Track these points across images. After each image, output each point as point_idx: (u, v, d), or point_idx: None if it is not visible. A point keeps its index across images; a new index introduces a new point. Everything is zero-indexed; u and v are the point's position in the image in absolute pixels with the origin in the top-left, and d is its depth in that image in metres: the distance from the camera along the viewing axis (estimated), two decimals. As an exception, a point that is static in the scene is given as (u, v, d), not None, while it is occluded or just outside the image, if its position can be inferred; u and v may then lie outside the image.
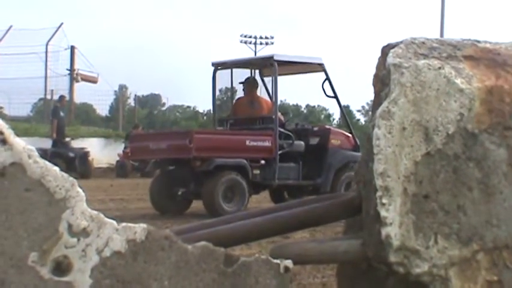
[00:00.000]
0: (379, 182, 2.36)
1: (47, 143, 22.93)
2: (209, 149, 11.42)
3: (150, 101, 66.94)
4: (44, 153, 14.71)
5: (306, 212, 2.64)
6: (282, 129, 12.07)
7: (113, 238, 2.08)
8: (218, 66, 12.98)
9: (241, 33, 64.05)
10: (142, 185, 16.20)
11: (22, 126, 29.01)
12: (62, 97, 25.59)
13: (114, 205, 12.73)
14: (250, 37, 61.98)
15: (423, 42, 2.58)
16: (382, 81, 2.53)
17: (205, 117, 44.32)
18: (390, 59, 2.48)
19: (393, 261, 2.37)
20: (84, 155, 23.92)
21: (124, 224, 2.12)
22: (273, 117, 12.03)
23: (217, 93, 14.06)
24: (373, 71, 2.67)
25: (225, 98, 16.66)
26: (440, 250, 2.39)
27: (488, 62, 2.57)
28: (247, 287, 2.29)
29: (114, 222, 2.10)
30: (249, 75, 13.11)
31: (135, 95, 45.61)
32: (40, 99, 41.16)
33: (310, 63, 12.67)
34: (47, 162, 2.03)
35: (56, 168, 2.03)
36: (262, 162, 11.92)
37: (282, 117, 12.51)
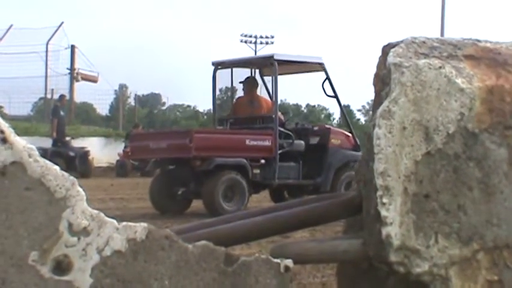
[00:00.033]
0: (379, 182, 2.36)
1: (47, 142, 22.92)
2: (209, 148, 11.42)
3: (150, 101, 66.94)
4: (44, 153, 14.72)
5: (306, 212, 2.64)
6: (282, 129, 12.06)
7: (113, 237, 2.08)
8: (218, 65, 12.98)
9: (242, 32, 64.20)
10: (142, 184, 16.20)
11: (22, 125, 29.01)
12: (62, 96, 25.59)
13: (114, 204, 12.74)
14: (250, 36, 62.02)
15: (424, 42, 2.58)
16: (382, 80, 2.53)
17: (205, 117, 44.32)
18: (391, 58, 2.48)
19: (393, 261, 2.37)
20: (84, 154, 23.93)
21: (124, 223, 2.12)
22: (273, 116, 12.03)
23: (218, 92, 14.07)
24: (374, 70, 2.67)
25: (225, 98, 16.67)
26: (440, 249, 2.39)
27: (489, 62, 2.57)
28: (247, 287, 2.28)
29: (115, 221, 2.10)
30: (249, 74, 13.11)
31: (135, 95, 45.68)
32: (40, 99, 41.18)
33: (310, 63, 12.67)
34: (47, 161, 2.03)
35: (56, 168, 2.03)
36: (262, 161, 11.92)
37: (282, 117, 12.51)
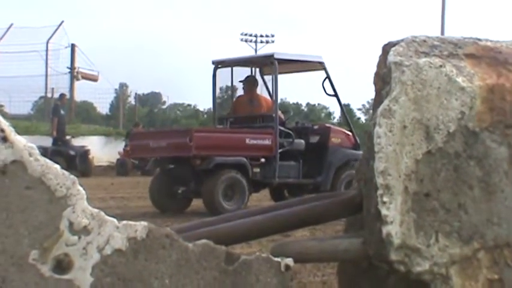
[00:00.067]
0: (380, 180, 2.36)
1: (48, 141, 22.92)
2: (209, 147, 11.42)
3: (151, 99, 66.96)
4: (44, 152, 14.68)
5: (306, 210, 2.64)
6: (282, 128, 12.06)
7: (114, 236, 2.08)
8: (218, 64, 12.97)
9: (242, 31, 64.18)
10: (142, 183, 16.21)
11: (23, 124, 29.02)
12: (62, 95, 25.61)
13: (114, 203, 12.74)
14: (250, 35, 62.03)
15: (424, 41, 2.58)
16: (383, 79, 2.53)
17: (205, 116, 44.34)
18: (391, 57, 2.48)
19: (394, 260, 2.37)
20: (84, 153, 23.95)
21: (125, 222, 2.11)
22: (273, 115, 12.02)
23: (218, 91, 14.07)
24: (374, 69, 2.67)
25: (225, 96, 16.66)
26: (441, 248, 2.39)
27: (490, 60, 2.57)
28: (248, 285, 2.28)
29: (115, 220, 2.10)
30: (249, 73, 13.10)
31: (136, 93, 45.69)
32: (40, 98, 41.20)
33: (311, 62, 12.66)
34: (47, 160, 2.02)
35: (57, 166, 2.03)
36: (262, 160, 11.91)
37: (282, 116, 12.50)
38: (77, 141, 25.89)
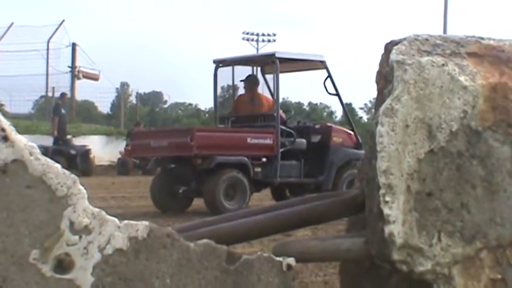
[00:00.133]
0: (382, 180, 2.35)
1: (48, 141, 22.93)
2: (210, 146, 11.41)
3: (152, 99, 66.99)
4: (45, 151, 14.67)
5: (308, 210, 2.63)
6: (283, 127, 12.05)
7: (115, 236, 2.07)
8: (219, 63, 12.97)
9: (244, 30, 64.18)
10: (143, 182, 16.20)
11: (23, 123, 29.02)
12: (63, 94, 25.60)
13: (115, 203, 12.73)
14: (252, 34, 62.07)
15: (426, 39, 2.57)
16: (385, 78, 2.52)
17: (207, 115, 44.35)
18: (393, 55, 2.47)
19: (396, 259, 2.36)
20: (85, 152, 23.94)
21: (126, 221, 2.11)
22: (275, 114, 12.01)
23: (219, 90, 14.06)
24: (376, 68, 2.66)
25: (226, 96, 16.64)
26: (443, 248, 2.38)
27: (492, 59, 2.56)
28: (249, 285, 2.28)
29: (116, 219, 2.10)
30: (251, 72, 13.09)
31: (137, 93, 45.63)
32: (41, 97, 41.19)
33: (312, 61, 12.65)
34: (48, 160, 2.02)
35: (58, 166, 2.03)
36: (264, 160, 11.91)
37: (283, 115, 12.49)
38: (78, 141, 25.91)
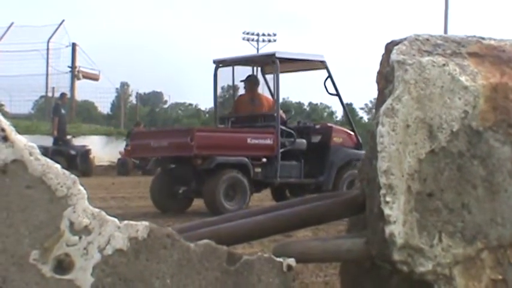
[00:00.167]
0: (382, 180, 2.35)
1: (48, 141, 22.92)
2: (210, 147, 11.40)
3: (152, 99, 67.00)
4: (45, 151, 14.68)
5: (308, 210, 2.63)
6: (283, 127, 12.05)
7: (115, 236, 2.07)
8: (219, 63, 12.96)
9: (244, 30, 64.18)
10: (143, 183, 16.19)
11: (23, 123, 29.01)
12: (63, 94, 25.59)
13: (115, 203, 12.73)
14: (252, 34, 62.05)
15: (427, 39, 2.56)
16: (385, 78, 2.52)
17: (207, 115, 44.35)
18: (394, 55, 2.46)
19: (397, 260, 2.36)
20: (85, 152, 23.94)
21: (126, 221, 2.11)
22: (275, 115, 12.00)
23: (220, 90, 14.05)
24: (377, 68, 2.66)
25: (227, 96, 16.63)
26: (444, 248, 2.38)
27: (493, 59, 2.56)
28: (249, 286, 2.27)
29: (116, 220, 2.09)
30: (251, 72, 13.08)
31: (137, 93, 45.63)
32: (41, 97, 41.19)
33: (312, 61, 12.65)
34: (48, 160, 2.02)
35: (58, 166, 2.02)
36: (264, 160, 11.90)
37: (283, 115, 12.49)
38: (78, 141, 25.90)
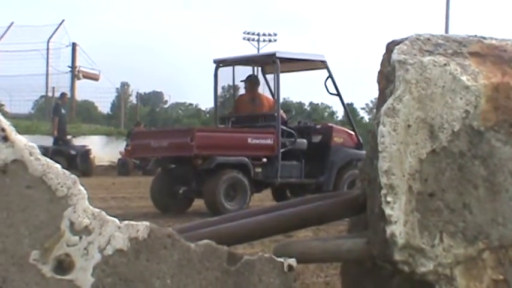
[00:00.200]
0: (383, 180, 2.34)
1: (48, 141, 22.92)
2: (211, 147, 11.40)
3: (152, 99, 67.00)
4: (45, 151, 14.67)
5: (309, 210, 2.63)
6: (284, 127, 12.04)
7: (115, 236, 2.06)
8: (220, 63, 12.95)
9: (244, 30, 64.16)
10: (144, 183, 16.19)
11: (23, 123, 29.00)
12: (63, 94, 25.59)
13: (115, 203, 12.72)
14: (253, 34, 62.00)
15: (428, 39, 2.56)
16: (386, 78, 2.51)
17: (207, 115, 44.35)
18: (395, 55, 2.46)
19: (398, 260, 2.35)
20: (85, 152, 23.94)
21: (126, 222, 2.10)
22: (275, 114, 12.00)
23: (220, 90, 14.06)
24: (378, 68, 2.65)
25: (227, 96, 16.63)
26: (445, 249, 2.37)
27: (495, 59, 2.55)
28: (250, 286, 2.27)
29: (116, 220, 2.09)
30: (251, 72, 13.08)
31: (137, 93, 45.59)
32: (41, 97, 41.19)
33: (313, 61, 12.64)
34: (48, 160, 2.01)
35: (58, 166, 2.02)
36: (264, 160, 11.89)
37: (284, 115, 12.48)
38: (78, 141, 25.91)
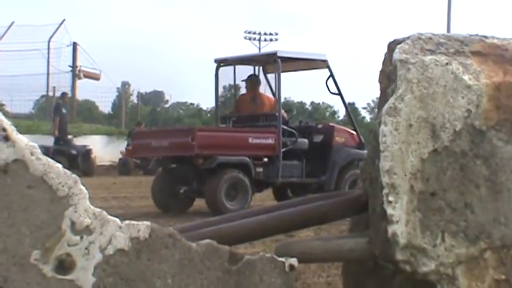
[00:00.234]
0: (385, 180, 2.34)
1: (49, 141, 22.93)
2: (212, 146, 11.39)
3: (153, 98, 67.04)
4: (46, 151, 14.65)
5: (310, 210, 2.62)
6: (285, 127, 12.04)
7: (116, 236, 2.06)
8: (221, 62, 12.95)
9: (246, 29, 64.13)
10: (145, 183, 16.20)
11: (24, 123, 29.00)
12: (64, 94, 25.58)
13: (116, 203, 12.72)
14: (254, 33, 61.95)
15: (430, 38, 2.55)
16: (388, 77, 2.51)
17: (208, 115, 44.35)
18: (397, 54, 2.46)
19: (400, 260, 2.35)
20: (86, 152, 23.94)
21: (127, 221, 2.10)
22: (276, 114, 11.99)
23: (221, 90, 14.06)
24: (379, 67, 2.65)
25: (228, 95, 16.63)
26: (447, 248, 2.37)
27: (496, 58, 2.55)
28: (251, 286, 2.26)
29: (117, 220, 2.09)
30: (252, 72, 13.07)
31: (138, 92, 45.62)
32: (42, 96, 41.22)
33: (314, 60, 12.64)
34: (49, 159, 2.01)
35: (59, 165, 2.02)
36: (265, 160, 11.90)
37: (285, 115, 12.48)
38: (79, 141, 25.91)
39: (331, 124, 13.98)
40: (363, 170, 2.62)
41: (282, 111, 12.30)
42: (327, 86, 12.36)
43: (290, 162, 12.02)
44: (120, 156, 26.88)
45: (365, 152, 10.72)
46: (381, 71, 2.62)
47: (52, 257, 1.98)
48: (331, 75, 12.29)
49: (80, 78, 36.86)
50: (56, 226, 1.99)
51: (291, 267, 2.33)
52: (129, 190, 16.29)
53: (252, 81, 12.77)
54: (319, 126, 13.12)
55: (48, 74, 37.20)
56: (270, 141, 11.82)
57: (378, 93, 2.64)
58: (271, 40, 61.50)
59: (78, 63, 37.04)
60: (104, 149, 28.93)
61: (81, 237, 2.01)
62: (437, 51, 2.50)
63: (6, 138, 1.95)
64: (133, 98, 50.35)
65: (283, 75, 12.27)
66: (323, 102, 58.76)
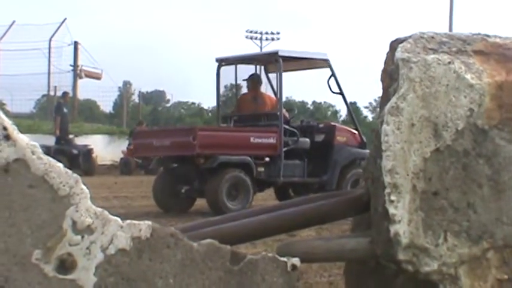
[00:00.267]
0: (387, 179, 2.33)
1: (50, 140, 22.92)
2: (213, 146, 11.38)
3: (155, 98, 67.05)
4: (47, 150, 14.63)
5: (312, 210, 2.62)
6: (286, 126, 12.02)
7: (118, 235, 2.06)
8: (222, 62, 12.93)
9: (247, 28, 64.14)
10: (146, 182, 16.19)
11: (25, 123, 28.99)
12: (65, 93, 25.58)
13: (118, 202, 12.72)
14: (256, 33, 61.92)
15: (432, 37, 2.55)
16: (390, 76, 2.50)
17: (210, 114, 44.38)
18: (399, 53, 2.45)
19: (402, 260, 2.34)
20: (87, 152, 23.95)
21: (129, 221, 2.09)
22: (278, 113, 11.98)
23: (223, 89, 14.05)
24: (381, 66, 2.64)
25: (229, 95, 16.62)
26: (449, 248, 2.36)
27: (499, 57, 2.54)
28: (253, 285, 2.26)
29: (119, 219, 2.08)
30: (254, 71, 13.07)
31: (139, 92, 45.63)
32: (43, 96, 41.20)
33: (316, 59, 12.62)
34: (50, 159, 2.01)
35: (60, 165, 2.01)
36: (267, 159, 11.88)
37: (286, 114, 12.47)
38: (80, 140, 25.91)
39: (332, 123, 13.95)
40: (365, 169, 2.62)
41: (284, 110, 12.28)
42: (329, 85, 12.35)
43: (292, 162, 12.00)
44: (122, 155, 26.88)
45: (367, 151, 10.71)
46: (382, 70, 2.62)
47: (53, 256, 1.98)
48: (333, 74, 12.27)
49: (81, 77, 36.84)
50: (57, 226, 1.98)
51: (293, 267, 2.33)
52: (131, 190, 16.28)
53: (254, 81, 12.76)
54: (321, 125, 13.10)
55: (49, 73, 37.20)
56: (272, 140, 11.81)
57: (379, 93, 2.63)
58: (272, 39, 61.49)
59: (80, 62, 37.04)
60: (105, 148, 28.94)
61: (83, 237, 2.01)
62: (439, 50, 2.49)
63: (7, 138, 1.95)
64: (135, 98, 50.38)
65: (284, 74, 12.25)
66: (325, 102, 58.82)
